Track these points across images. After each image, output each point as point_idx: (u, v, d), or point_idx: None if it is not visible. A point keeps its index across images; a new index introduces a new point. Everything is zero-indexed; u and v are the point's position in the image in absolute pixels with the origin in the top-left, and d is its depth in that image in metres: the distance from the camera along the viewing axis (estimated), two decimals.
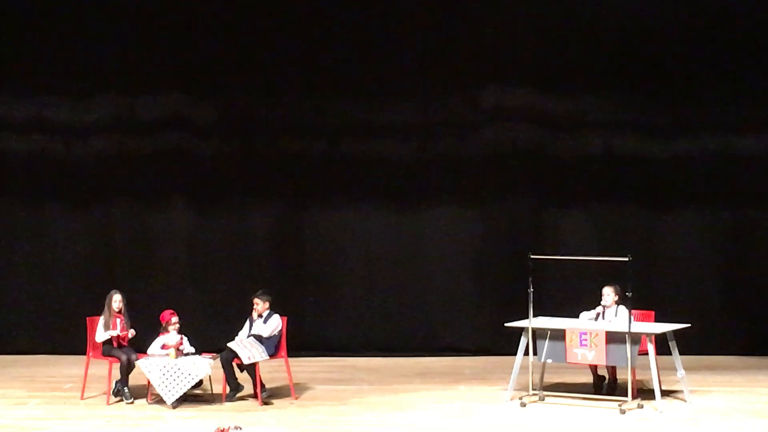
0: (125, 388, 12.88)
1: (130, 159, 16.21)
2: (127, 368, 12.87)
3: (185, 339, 13.11)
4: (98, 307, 13.33)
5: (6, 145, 16.26)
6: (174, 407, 12.61)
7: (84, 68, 16.06)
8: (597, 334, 12.35)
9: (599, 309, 13.11)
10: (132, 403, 12.79)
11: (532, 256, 12.74)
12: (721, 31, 15.64)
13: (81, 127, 16.20)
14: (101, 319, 13.06)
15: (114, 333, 12.97)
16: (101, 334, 13.03)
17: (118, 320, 13.05)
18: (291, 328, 13.29)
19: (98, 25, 16.05)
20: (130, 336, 13.10)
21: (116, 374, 12.95)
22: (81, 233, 16.28)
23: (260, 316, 13.08)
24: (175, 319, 13.10)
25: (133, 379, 13.00)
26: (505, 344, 14.11)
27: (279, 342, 13.10)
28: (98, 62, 16.04)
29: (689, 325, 12.94)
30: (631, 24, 15.73)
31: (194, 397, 13.00)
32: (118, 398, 12.88)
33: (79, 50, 16.05)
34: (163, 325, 13.11)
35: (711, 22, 15.68)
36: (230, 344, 12.92)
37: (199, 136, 16.21)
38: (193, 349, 13.09)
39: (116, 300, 13.09)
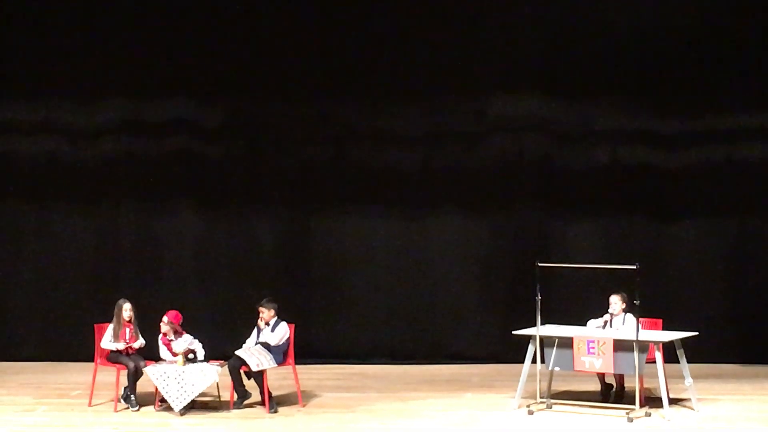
0: (132, 395, 12.87)
1: (137, 162, 16.25)
2: (135, 375, 12.86)
3: (198, 345, 13.09)
4: (105, 313, 13.35)
5: (14, 148, 16.30)
6: (182, 414, 12.61)
7: (91, 71, 16.10)
8: (605, 342, 12.36)
9: (607, 317, 13.10)
10: (138, 410, 12.79)
11: (539, 264, 12.75)
12: (728, 39, 15.64)
13: (88, 130, 16.25)
14: (110, 327, 13.06)
15: (120, 346, 12.96)
16: (107, 342, 13.03)
17: (128, 330, 13.05)
18: (298, 336, 13.30)
19: (106, 28, 16.11)
20: (138, 347, 13.10)
21: (124, 381, 12.95)
22: (87, 236, 16.30)
23: (267, 324, 13.07)
24: (165, 318, 13.06)
25: (141, 386, 12.99)
26: (512, 352, 14.14)
27: (287, 349, 13.10)
28: (106, 65, 16.09)
29: (697, 333, 12.94)
30: (636, 33, 15.73)
31: (202, 404, 13.01)
32: (126, 405, 12.88)
33: (86, 53, 16.10)
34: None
35: (717, 30, 15.68)
36: (238, 352, 12.92)
37: (206, 140, 16.24)
38: (203, 355, 13.07)
39: (126, 309, 13.09)
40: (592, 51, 15.76)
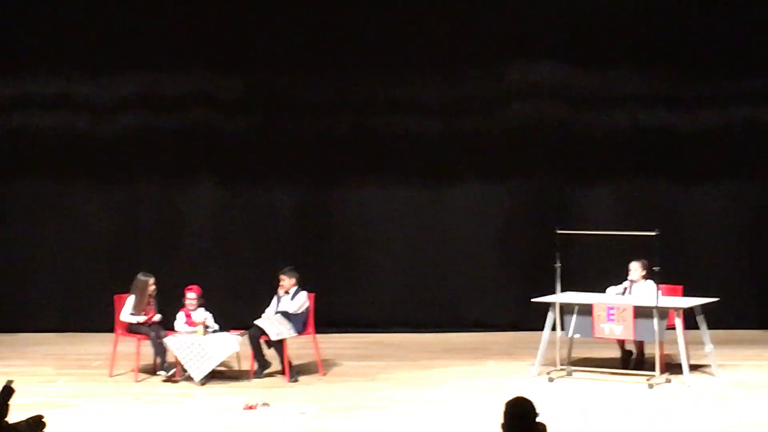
0: (165, 362, 12.88)
1: (155, 136, 16.23)
2: (159, 344, 12.89)
3: (210, 316, 13.12)
4: (125, 285, 13.36)
5: (32, 122, 16.29)
6: (202, 384, 12.65)
7: (110, 44, 16.08)
8: (624, 309, 12.32)
9: (626, 284, 13.08)
10: (173, 375, 12.79)
11: (558, 231, 12.72)
12: (747, 2, 15.51)
13: (107, 104, 16.22)
14: (131, 300, 13.08)
15: (140, 319, 12.99)
16: (127, 315, 13.05)
17: (148, 304, 13.08)
18: (318, 305, 13.31)
19: (124, 1, 16.05)
20: (156, 320, 13.13)
21: (144, 352, 12.98)
22: (107, 210, 16.32)
23: (287, 292, 13.09)
24: (191, 294, 13.10)
25: None
26: (532, 320, 14.08)
27: (306, 319, 13.12)
28: (124, 38, 16.06)
29: (717, 299, 12.89)
30: None
31: (222, 374, 13.05)
32: (165, 374, 12.83)
33: (104, 26, 16.08)
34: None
35: None
36: (258, 321, 12.94)
37: (224, 113, 16.21)
38: (217, 326, 13.09)
39: (151, 284, 13.11)
40: (611, 15, 15.65)
